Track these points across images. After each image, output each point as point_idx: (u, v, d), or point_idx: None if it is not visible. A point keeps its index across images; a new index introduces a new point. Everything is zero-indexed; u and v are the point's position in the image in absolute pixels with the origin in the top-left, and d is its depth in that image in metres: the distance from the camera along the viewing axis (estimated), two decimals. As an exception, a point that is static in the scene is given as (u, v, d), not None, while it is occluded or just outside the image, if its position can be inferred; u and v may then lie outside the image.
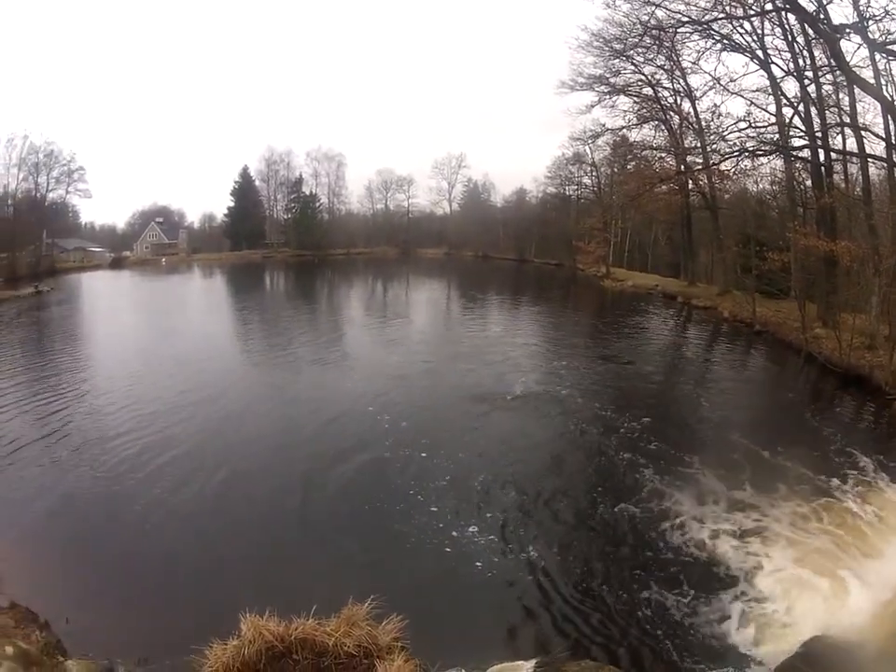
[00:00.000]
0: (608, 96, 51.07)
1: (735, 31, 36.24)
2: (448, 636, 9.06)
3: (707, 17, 33.89)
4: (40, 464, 15.31)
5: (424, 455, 15.67)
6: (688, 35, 37.79)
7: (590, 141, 64.76)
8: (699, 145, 46.28)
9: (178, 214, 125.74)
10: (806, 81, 32.64)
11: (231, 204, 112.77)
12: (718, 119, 40.83)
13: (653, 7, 33.50)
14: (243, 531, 12.10)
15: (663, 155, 51.74)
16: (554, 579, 10.64)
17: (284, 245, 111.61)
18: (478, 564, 10.91)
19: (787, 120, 35.67)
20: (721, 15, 33.69)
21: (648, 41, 41.07)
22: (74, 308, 50.46)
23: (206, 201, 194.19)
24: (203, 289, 70.01)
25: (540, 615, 9.79)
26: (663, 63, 46.75)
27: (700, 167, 46.10)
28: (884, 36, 24.20)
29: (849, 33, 24.52)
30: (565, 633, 9.38)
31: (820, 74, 31.85)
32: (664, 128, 51.92)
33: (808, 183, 36.32)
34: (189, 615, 9.53)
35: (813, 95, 32.32)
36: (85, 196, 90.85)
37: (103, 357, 27.93)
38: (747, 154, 36.45)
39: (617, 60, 46.88)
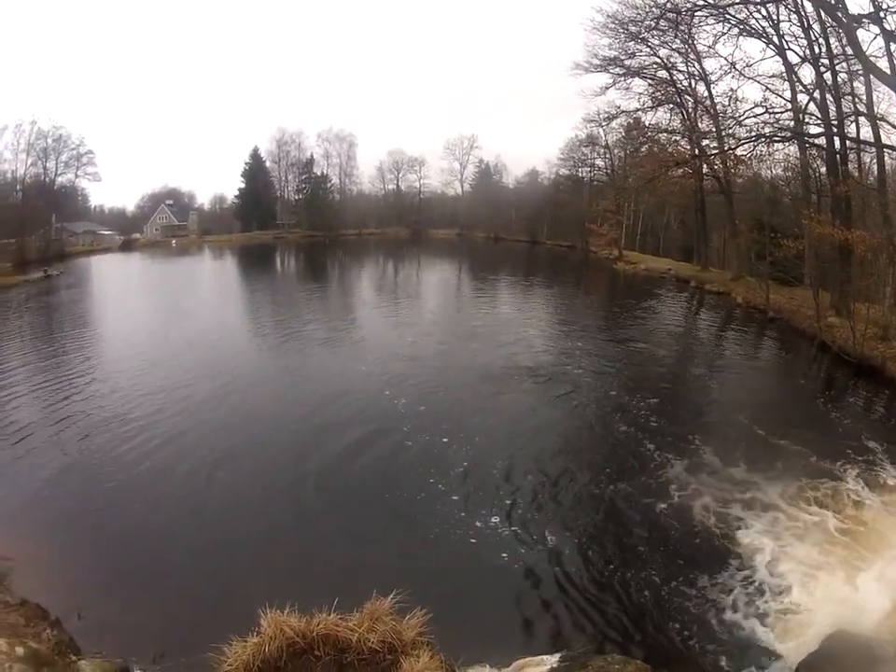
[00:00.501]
0: (622, 78, 50.32)
1: (751, 16, 35.95)
2: (472, 629, 9.09)
3: (723, 1, 33.66)
4: (49, 452, 15.42)
5: (444, 440, 15.85)
6: (704, 18, 37.54)
7: (604, 123, 64.42)
8: (714, 129, 45.96)
9: (188, 196, 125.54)
10: (822, 68, 32.25)
11: (242, 185, 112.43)
12: (734, 103, 40.66)
13: (671, -10, 33.20)
14: (259, 522, 12.12)
15: (677, 138, 51.47)
16: (578, 570, 10.76)
17: (295, 226, 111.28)
18: (504, 555, 11.01)
19: (802, 107, 35.46)
20: (738, 0, 33.50)
21: (664, 24, 40.75)
22: (83, 292, 50.70)
23: (217, 182, 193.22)
24: (213, 271, 70.09)
25: (565, 608, 9.87)
26: (678, 46, 46.30)
27: (715, 151, 45.83)
28: (900, 27, 24.04)
29: (867, 22, 24.37)
30: (590, 625, 9.50)
31: (836, 62, 31.51)
32: (678, 111, 51.62)
33: (823, 170, 36.06)
34: (205, 610, 9.53)
35: (828, 83, 32.03)
36: (94, 179, 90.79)
37: (112, 340, 28.30)
38: (763, 140, 36.29)
39: (632, 42, 46.33)
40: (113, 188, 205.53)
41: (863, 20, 24.03)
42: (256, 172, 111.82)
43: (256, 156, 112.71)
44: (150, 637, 8.80)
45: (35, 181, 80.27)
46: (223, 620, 8.37)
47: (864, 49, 25.75)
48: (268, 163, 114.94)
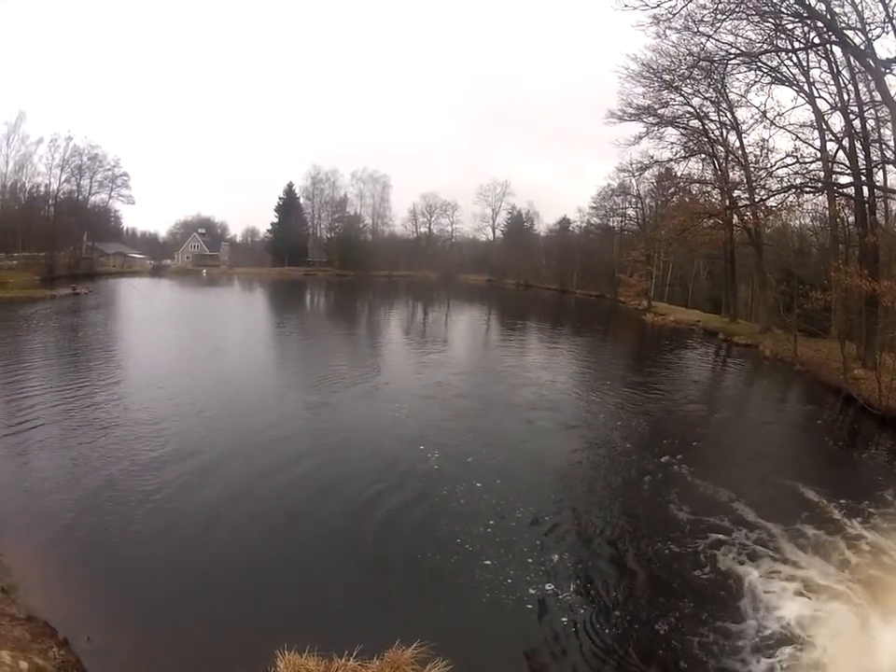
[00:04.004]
0: (655, 127, 50.78)
1: (782, 63, 36.00)
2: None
3: (755, 49, 33.59)
4: (66, 470, 14.70)
5: (478, 484, 14.81)
6: (736, 66, 37.55)
7: (637, 174, 64.58)
8: (745, 179, 45.70)
9: (221, 226, 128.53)
10: (851, 116, 32.19)
11: (275, 220, 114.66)
12: (765, 153, 40.43)
13: (704, 39, 33.20)
14: (280, 561, 11.35)
15: (708, 189, 51.31)
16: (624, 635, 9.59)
17: (326, 264, 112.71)
18: (563, 619, 9.78)
19: (832, 156, 35.16)
20: (770, 48, 33.39)
21: (697, 73, 40.88)
22: (110, 314, 49.91)
23: (249, 215, 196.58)
24: (244, 304, 70.01)
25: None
26: (711, 95, 46.59)
27: (746, 202, 45.50)
28: (929, 71, 23.77)
29: (896, 67, 24.16)
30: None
31: (865, 108, 31.39)
32: (710, 161, 51.56)
33: (851, 219, 35.55)
34: (218, 645, 8.94)
35: (857, 130, 31.85)
36: (128, 202, 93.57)
37: (133, 369, 26.81)
38: (794, 191, 35.87)
39: (666, 91, 46.80)
40: (146, 212, 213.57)
41: (892, 64, 23.74)
42: (290, 207, 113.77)
43: (290, 192, 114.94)
44: (160, 668, 8.37)
45: (68, 198, 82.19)
46: (237, 657, 8.11)
47: (892, 94, 25.38)
48: (302, 200, 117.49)
